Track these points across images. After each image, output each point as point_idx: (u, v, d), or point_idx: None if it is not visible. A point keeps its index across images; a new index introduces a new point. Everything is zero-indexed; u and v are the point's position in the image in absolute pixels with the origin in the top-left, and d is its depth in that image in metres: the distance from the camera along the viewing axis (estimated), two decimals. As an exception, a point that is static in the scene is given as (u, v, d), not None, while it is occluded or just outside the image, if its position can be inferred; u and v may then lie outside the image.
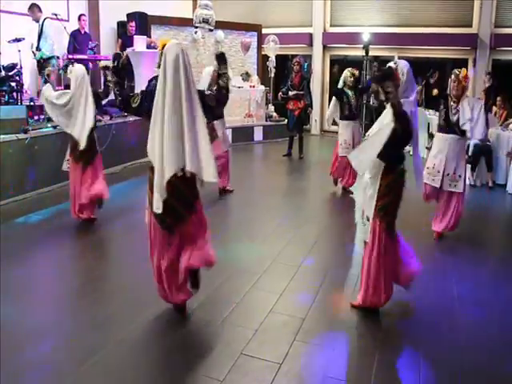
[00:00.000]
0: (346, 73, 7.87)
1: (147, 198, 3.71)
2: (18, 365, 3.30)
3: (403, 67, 3.95)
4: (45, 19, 8.36)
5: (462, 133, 5.58)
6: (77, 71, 5.73)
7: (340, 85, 7.93)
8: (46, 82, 6.44)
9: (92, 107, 5.69)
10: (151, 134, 3.51)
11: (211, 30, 12.25)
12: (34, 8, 8.37)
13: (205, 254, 3.75)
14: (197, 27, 12.12)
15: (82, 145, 5.62)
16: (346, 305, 4.22)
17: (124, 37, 11.16)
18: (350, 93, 7.77)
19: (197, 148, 3.47)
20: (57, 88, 8.66)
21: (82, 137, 5.62)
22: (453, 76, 5.60)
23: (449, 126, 5.64)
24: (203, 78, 7.22)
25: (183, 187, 3.63)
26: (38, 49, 8.34)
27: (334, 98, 7.97)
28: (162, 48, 3.51)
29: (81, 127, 5.66)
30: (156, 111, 3.46)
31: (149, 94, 3.70)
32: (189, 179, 3.59)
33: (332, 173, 7.94)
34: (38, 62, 8.43)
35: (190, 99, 3.46)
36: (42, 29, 8.34)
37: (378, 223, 3.87)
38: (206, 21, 11.86)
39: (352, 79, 7.79)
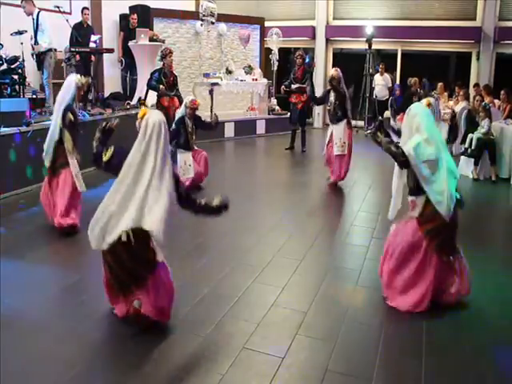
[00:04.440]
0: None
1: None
2: (18, 362, 3.32)
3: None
4: (39, 12, 8.26)
5: None
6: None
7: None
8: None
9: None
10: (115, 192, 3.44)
11: (213, 23, 12.23)
12: (29, 0, 8.27)
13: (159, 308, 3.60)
14: (203, 20, 12.10)
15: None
16: (348, 298, 4.22)
17: (126, 30, 11.15)
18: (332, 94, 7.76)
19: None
20: (53, 81, 8.67)
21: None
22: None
23: None
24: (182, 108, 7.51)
25: (126, 256, 3.47)
26: (36, 43, 8.27)
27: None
28: (142, 116, 3.46)
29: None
30: (129, 171, 3.39)
31: (120, 152, 3.59)
32: (134, 249, 3.44)
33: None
34: (37, 55, 8.38)
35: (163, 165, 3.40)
36: (37, 22, 8.25)
37: (428, 243, 3.94)
38: (212, 14, 11.91)
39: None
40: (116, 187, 3.44)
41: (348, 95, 7.71)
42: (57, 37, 8.86)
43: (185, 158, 7.40)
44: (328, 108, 7.87)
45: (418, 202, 3.99)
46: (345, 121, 7.70)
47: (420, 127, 3.90)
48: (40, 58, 8.38)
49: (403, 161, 3.91)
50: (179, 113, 7.56)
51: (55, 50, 8.57)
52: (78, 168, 5.54)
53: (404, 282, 4.01)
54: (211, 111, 11.62)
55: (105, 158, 3.62)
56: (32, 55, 8.37)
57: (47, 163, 5.55)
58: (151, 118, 3.42)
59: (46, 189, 5.63)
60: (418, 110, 4.02)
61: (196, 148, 7.60)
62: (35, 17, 8.21)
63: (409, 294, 4.00)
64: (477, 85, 11.62)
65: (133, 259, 3.49)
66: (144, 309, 3.56)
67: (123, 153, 3.50)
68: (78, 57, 9.28)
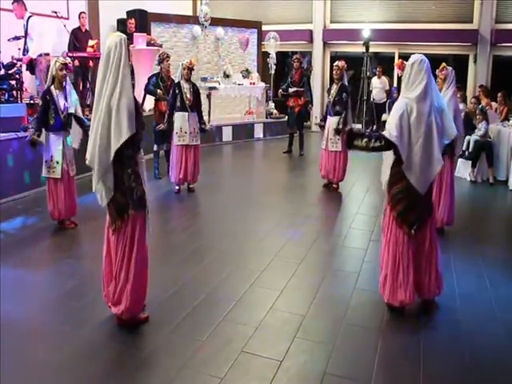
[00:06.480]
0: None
1: None
2: (17, 366, 3.31)
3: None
4: (29, 17, 8.20)
5: None
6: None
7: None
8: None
9: None
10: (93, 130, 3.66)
11: (206, 27, 12.36)
12: (20, 1, 8.18)
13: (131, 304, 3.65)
14: (203, 24, 12.17)
15: None
16: (346, 301, 4.22)
17: (124, 34, 11.14)
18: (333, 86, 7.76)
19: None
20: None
21: None
22: None
23: None
24: (178, 70, 7.86)
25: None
26: (25, 50, 8.23)
27: None
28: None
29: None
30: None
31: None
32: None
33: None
34: (27, 64, 8.34)
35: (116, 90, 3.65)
36: (26, 29, 8.18)
37: (389, 211, 3.94)
38: (208, 19, 12.03)
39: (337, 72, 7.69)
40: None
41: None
42: (54, 41, 8.84)
43: (181, 123, 7.48)
44: (328, 100, 7.83)
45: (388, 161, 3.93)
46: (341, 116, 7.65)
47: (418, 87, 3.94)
48: (32, 63, 8.32)
49: (391, 145, 3.76)
50: (175, 78, 7.82)
51: (47, 54, 8.49)
52: None
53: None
54: (209, 115, 11.65)
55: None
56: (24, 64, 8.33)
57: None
58: (108, 42, 3.60)
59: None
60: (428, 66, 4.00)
61: (195, 143, 7.61)
62: (25, 22, 8.16)
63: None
64: (482, 86, 11.61)
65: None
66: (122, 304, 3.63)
67: None
68: (76, 62, 9.28)
